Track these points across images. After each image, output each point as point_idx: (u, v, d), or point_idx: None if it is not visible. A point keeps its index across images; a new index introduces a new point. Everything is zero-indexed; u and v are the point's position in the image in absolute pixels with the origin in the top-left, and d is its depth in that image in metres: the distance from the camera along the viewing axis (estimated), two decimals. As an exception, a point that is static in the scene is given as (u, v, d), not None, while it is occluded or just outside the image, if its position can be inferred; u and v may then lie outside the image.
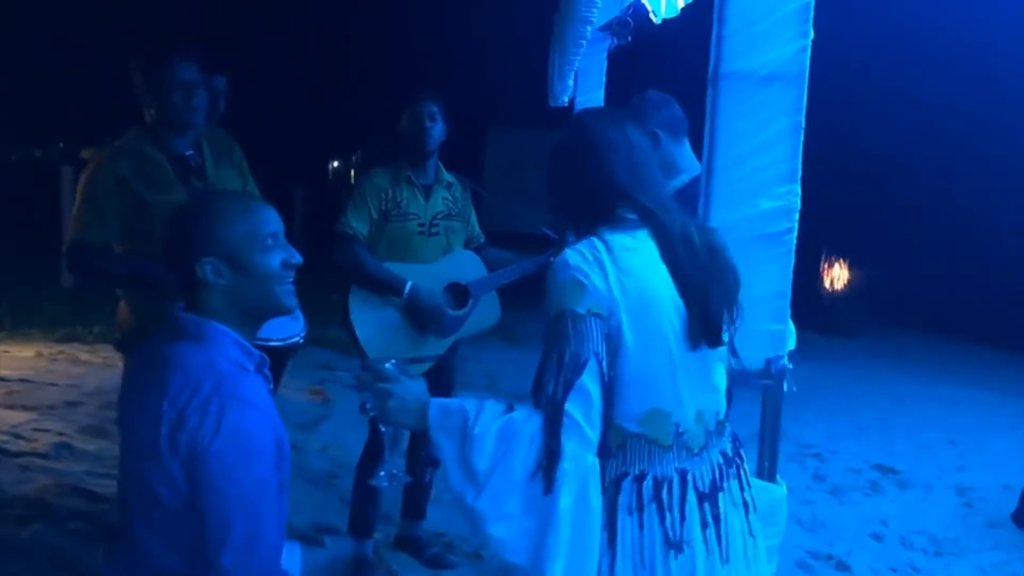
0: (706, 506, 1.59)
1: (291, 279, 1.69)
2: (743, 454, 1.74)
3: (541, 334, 1.57)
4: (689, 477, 1.58)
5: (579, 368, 1.47)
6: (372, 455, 3.24)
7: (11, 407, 4.90)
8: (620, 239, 1.59)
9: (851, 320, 10.30)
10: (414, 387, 1.60)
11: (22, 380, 5.55)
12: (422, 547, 3.46)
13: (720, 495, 1.62)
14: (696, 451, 1.60)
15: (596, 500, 1.49)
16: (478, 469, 1.47)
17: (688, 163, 2.57)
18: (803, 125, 1.83)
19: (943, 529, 4.24)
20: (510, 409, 1.50)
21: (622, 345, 1.53)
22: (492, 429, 1.47)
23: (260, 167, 3.61)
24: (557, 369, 1.48)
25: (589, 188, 1.66)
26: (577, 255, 1.56)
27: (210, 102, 3.25)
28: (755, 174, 1.85)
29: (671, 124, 2.58)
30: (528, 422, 1.48)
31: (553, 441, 1.46)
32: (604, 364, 1.50)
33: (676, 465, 1.57)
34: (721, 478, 1.63)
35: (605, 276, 1.53)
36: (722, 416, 1.68)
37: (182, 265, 1.63)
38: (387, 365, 1.63)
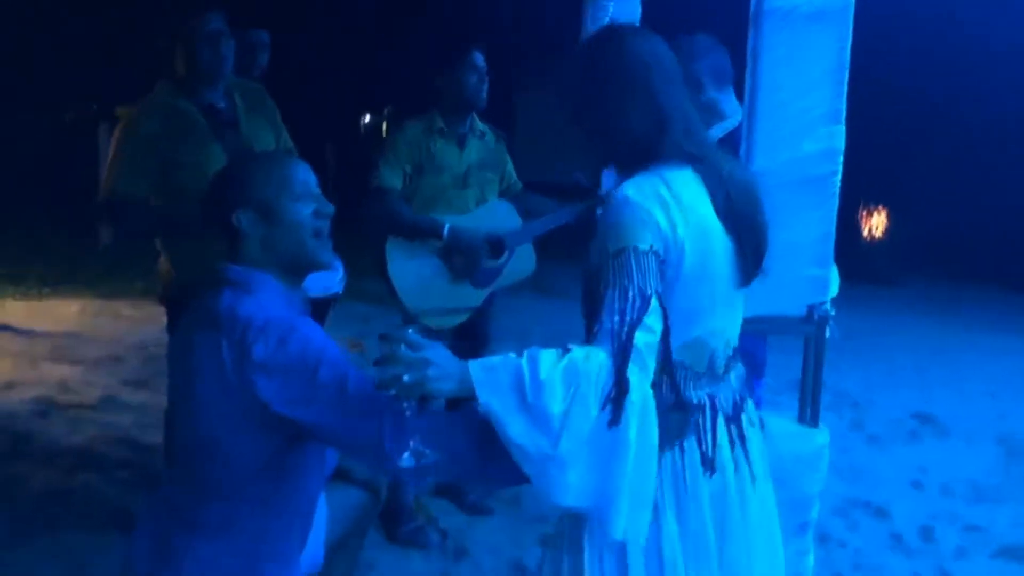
0: (732, 428, 1.65)
1: (326, 230, 1.75)
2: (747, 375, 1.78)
3: (582, 278, 1.55)
4: (717, 402, 1.64)
5: (646, 303, 1.45)
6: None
7: (58, 361, 5.01)
8: (673, 173, 1.57)
9: (890, 268, 10.16)
10: (445, 351, 1.50)
11: (68, 335, 5.67)
12: (461, 494, 3.51)
13: (742, 415, 1.67)
14: (720, 375, 1.65)
15: (655, 432, 1.47)
16: (553, 413, 1.40)
17: (732, 109, 2.51)
18: (848, 64, 1.79)
19: (984, 476, 4.20)
20: (565, 351, 1.45)
21: (680, 275, 1.53)
22: (557, 371, 1.41)
23: (292, 122, 3.61)
24: (622, 304, 1.45)
25: (639, 115, 1.59)
26: (637, 191, 1.53)
27: (251, 56, 3.26)
28: (798, 116, 1.82)
29: (717, 73, 2.50)
30: (590, 359, 1.43)
31: (623, 371, 1.42)
32: (663, 301, 1.49)
33: (707, 391, 1.62)
34: (741, 400, 1.68)
35: (667, 212, 1.52)
36: (735, 342, 1.70)
37: (221, 220, 1.72)
38: (410, 332, 1.47)
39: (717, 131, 2.46)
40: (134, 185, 2.69)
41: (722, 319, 1.63)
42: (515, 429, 1.41)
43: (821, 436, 2.03)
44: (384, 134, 25.51)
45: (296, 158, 1.84)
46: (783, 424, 2.01)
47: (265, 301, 1.65)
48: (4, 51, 15.01)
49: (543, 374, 1.40)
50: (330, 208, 1.76)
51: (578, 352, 1.43)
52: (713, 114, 2.49)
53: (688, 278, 1.53)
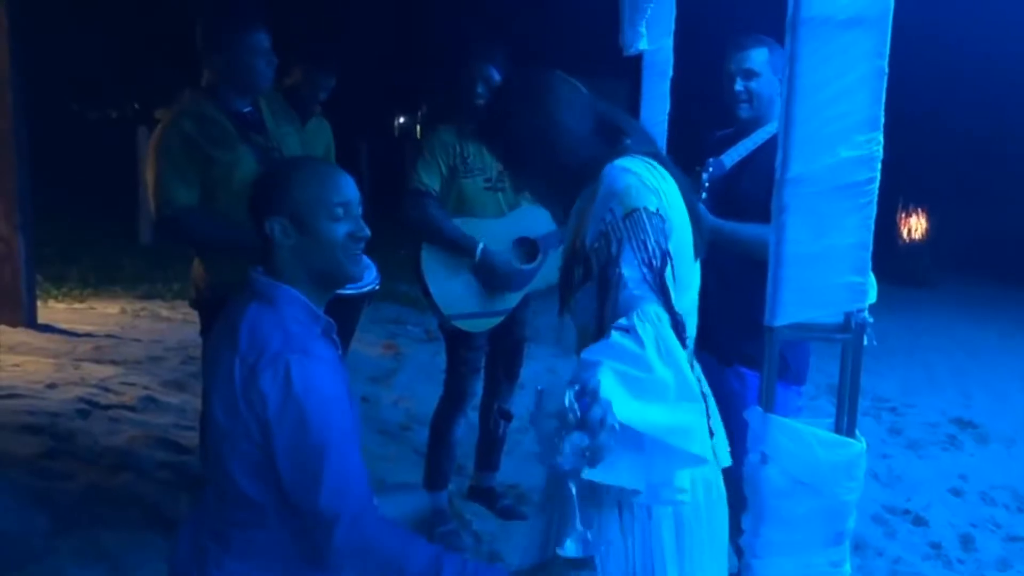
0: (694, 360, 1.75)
1: (358, 252, 1.73)
2: None
3: (563, 256, 1.71)
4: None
5: (665, 255, 1.52)
6: (446, 407, 3.29)
7: (99, 361, 5.10)
8: (646, 158, 1.67)
9: (928, 271, 10.02)
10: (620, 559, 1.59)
11: (108, 336, 5.77)
12: (495, 498, 3.52)
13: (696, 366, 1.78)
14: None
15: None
16: (669, 382, 1.43)
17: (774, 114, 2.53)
18: (886, 70, 1.77)
19: (1026, 484, 4.14)
20: (634, 335, 1.44)
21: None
22: (645, 357, 1.41)
23: (327, 120, 3.67)
24: (644, 255, 1.51)
25: (597, 128, 1.71)
26: (632, 163, 1.63)
27: (314, 92, 3.47)
28: (835, 122, 1.80)
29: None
30: (648, 320, 1.44)
31: (672, 310, 1.51)
32: (672, 262, 1.56)
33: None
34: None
35: (657, 184, 1.62)
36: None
37: (256, 223, 1.70)
38: None
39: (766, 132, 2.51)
40: (187, 195, 2.70)
41: (693, 295, 1.71)
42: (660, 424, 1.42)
43: (858, 445, 2.00)
44: (418, 135, 25.66)
45: (341, 172, 1.78)
46: (819, 431, 1.99)
47: (286, 316, 1.64)
48: (47, 48, 15.26)
49: (642, 370, 1.41)
50: (366, 232, 1.72)
51: (639, 325, 1.43)
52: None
53: (673, 252, 1.58)
